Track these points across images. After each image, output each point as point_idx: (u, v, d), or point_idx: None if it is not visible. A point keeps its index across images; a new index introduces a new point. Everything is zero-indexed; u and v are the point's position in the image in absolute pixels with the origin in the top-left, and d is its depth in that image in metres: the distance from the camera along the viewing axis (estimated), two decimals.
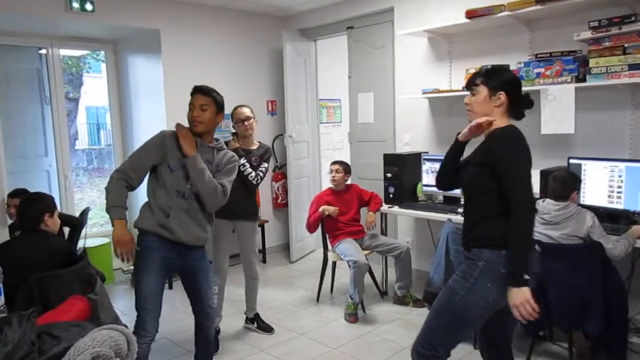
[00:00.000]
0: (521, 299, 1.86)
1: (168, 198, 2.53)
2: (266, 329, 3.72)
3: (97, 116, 12.44)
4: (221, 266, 3.53)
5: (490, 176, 1.96)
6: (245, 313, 3.80)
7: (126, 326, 1.92)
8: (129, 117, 5.33)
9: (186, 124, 2.63)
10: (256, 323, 3.75)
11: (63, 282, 2.54)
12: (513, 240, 1.89)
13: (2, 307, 1.91)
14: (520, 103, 2.05)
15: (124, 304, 4.31)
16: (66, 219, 3.88)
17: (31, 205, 2.74)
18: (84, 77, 11.09)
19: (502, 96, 1.99)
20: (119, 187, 2.47)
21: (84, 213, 4.11)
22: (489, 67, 2.12)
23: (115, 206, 2.44)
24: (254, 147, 3.56)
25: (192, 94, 2.64)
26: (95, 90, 11.16)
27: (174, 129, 2.61)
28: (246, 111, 3.50)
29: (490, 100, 2.01)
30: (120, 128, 5.43)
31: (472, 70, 3.92)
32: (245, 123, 3.48)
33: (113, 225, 2.44)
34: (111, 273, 4.95)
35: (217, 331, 3.53)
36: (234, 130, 3.62)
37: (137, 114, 5.22)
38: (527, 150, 1.97)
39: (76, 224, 3.86)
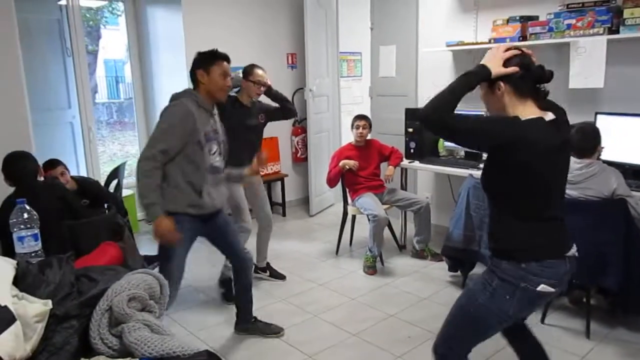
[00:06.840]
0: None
1: (200, 176, 2.47)
2: (279, 276, 3.83)
3: (116, 69, 12.44)
4: (247, 217, 3.53)
5: (501, 170, 1.76)
6: (256, 263, 3.77)
7: None
8: (149, 70, 5.31)
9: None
10: (268, 271, 3.84)
11: (92, 230, 2.63)
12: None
13: (39, 252, 1.98)
14: (534, 81, 1.76)
15: (148, 253, 4.43)
16: (102, 194, 3.58)
17: (26, 164, 2.77)
18: (102, 30, 11.02)
19: (501, 86, 1.76)
20: (155, 177, 2.32)
21: (120, 167, 4.25)
22: None
23: (156, 203, 2.33)
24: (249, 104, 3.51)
25: (220, 60, 2.51)
26: (113, 43, 11.12)
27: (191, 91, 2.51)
28: (265, 76, 3.46)
29: (493, 94, 1.79)
30: (140, 81, 5.42)
31: (500, 22, 3.80)
32: (262, 88, 3.45)
33: (152, 220, 2.33)
34: (136, 223, 5.07)
35: None
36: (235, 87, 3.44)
37: (157, 67, 5.20)
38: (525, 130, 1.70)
39: (111, 202, 3.50)
